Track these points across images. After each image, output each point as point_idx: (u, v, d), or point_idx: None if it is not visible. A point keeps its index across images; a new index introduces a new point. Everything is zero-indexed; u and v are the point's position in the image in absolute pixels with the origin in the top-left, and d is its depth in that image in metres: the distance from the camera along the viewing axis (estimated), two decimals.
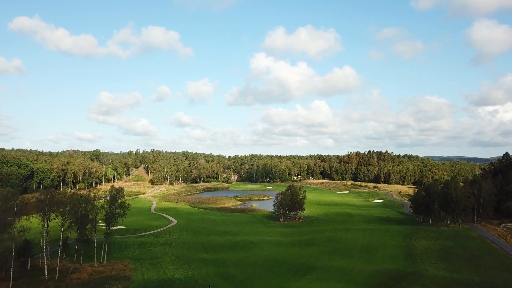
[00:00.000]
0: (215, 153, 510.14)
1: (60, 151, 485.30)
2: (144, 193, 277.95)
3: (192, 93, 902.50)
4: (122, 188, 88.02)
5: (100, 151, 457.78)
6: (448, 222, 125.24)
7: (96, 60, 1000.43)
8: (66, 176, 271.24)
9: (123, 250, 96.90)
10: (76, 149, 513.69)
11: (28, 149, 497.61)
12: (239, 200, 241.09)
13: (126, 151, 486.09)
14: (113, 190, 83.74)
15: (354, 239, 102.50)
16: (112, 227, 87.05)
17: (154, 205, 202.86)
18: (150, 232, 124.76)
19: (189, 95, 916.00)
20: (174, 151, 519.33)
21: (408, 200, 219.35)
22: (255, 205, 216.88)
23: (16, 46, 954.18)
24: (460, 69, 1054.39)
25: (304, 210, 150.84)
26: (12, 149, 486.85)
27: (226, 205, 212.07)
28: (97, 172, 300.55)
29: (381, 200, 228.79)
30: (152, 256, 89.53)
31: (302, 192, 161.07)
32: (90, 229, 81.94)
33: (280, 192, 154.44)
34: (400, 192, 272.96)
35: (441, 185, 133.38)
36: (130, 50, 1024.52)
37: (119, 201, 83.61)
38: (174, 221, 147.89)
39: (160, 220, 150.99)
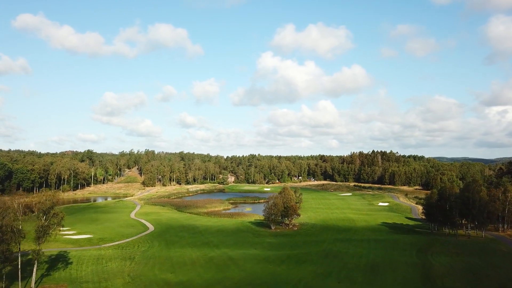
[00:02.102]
0: (219, 154, 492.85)
1: (58, 152, 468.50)
2: (132, 195, 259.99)
3: (198, 93, 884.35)
4: (56, 193, 69.07)
5: (93, 151, 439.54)
6: (469, 231, 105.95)
7: (102, 58, 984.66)
8: (49, 177, 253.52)
9: (72, 268, 78.35)
10: (76, 150, 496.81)
11: (28, 150, 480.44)
12: (232, 203, 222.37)
13: (128, 152, 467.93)
14: (44, 197, 65.04)
15: (357, 254, 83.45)
16: (43, 241, 68.37)
17: (137, 209, 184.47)
18: (117, 242, 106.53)
19: (194, 95, 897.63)
20: (174, 152, 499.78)
21: (417, 204, 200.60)
22: (248, 208, 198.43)
23: (20, 45, 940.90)
24: (473, 68, 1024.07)
25: (299, 216, 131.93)
26: (9, 150, 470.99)
27: (216, 209, 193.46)
28: (83, 173, 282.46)
29: (386, 203, 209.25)
30: (102, 278, 71.09)
31: (297, 195, 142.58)
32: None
33: (272, 195, 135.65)
34: (406, 194, 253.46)
35: (459, 187, 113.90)
36: (137, 48, 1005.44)
37: (52, 211, 64.71)
38: (151, 229, 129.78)
39: (135, 227, 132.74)
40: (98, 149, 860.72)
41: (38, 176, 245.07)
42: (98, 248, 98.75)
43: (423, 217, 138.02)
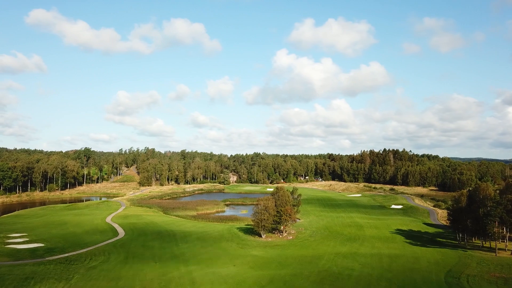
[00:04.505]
0: (223, 153, 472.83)
1: (64, 151, 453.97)
2: (123, 196, 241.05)
3: (212, 92, 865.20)
4: None
5: (91, 149, 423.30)
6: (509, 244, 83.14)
7: (116, 56, 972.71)
8: (33, 176, 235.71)
9: None
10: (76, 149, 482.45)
11: (34, 149, 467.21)
12: (227, 204, 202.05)
13: (127, 150, 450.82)
14: None
15: (364, 278, 61.65)
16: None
17: (119, 210, 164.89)
18: (68, 254, 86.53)
19: (208, 94, 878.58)
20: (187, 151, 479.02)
21: (434, 206, 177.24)
22: (244, 211, 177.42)
23: (34, 42, 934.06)
24: (499, 64, 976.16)
25: (295, 221, 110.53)
26: (15, 149, 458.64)
27: (207, 212, 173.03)
28: (72, 172, 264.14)
29: (400, 206, 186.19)
30: None
31: (295, 196, 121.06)
32: None
33: (264, 196, 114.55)
34: (422, 196, 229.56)
35: (495, 190, 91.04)
36: (154, 44, 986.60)
37: None
38: (121, 235, 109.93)
39: (103, 233, 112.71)
40: (108, 148, 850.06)
41: (21, 174, 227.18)
42: (39, 262, 78.72)
43: (447, 223, 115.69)
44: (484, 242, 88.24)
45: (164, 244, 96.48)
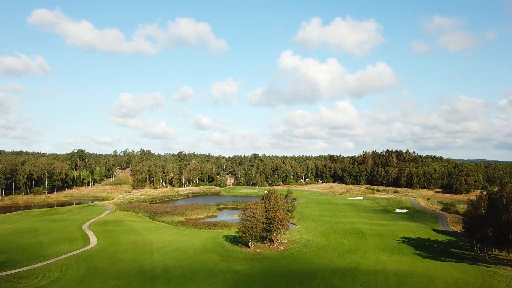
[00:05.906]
0: (221, 155, 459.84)
1: (61, 153, 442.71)
2: (112, 199, 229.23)
3: (216, 94, 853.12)
4: None
5: (85, 151, 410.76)
6: None
7: (120, 57, 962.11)
8: (17, 178, 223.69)
9: None
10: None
11: (32, 151, 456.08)
12: (221, 208, 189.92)
13: (122, 152, 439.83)
14: None
15: None
16: None
17: (101, 216, 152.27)
18: (21, 269, 74.04)
19: (213, 96, 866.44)
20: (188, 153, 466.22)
21: (442, 210, 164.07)
22: (236, 216, 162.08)
23: (37, 43, 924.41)
24: (508, 64, 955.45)
25: (288, 229, 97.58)
26: (13, 151, 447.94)
27: (197, 216, 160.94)
28: (60, 174, 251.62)
29: (405, 210, 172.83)
30: None
31: (289, 200, 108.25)
32: None
33: (253, 201, 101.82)
34: (428, 199, 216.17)
35: None
36: (159, 44, 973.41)
37: None
38: (92, 245, 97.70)
39: (73, 242, 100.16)
40: (110, 151, 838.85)
41: (4, 176, 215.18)
42: None
43: (460, 230, 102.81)
44: (508, 255, 75.30)
45: (136, 256, 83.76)
